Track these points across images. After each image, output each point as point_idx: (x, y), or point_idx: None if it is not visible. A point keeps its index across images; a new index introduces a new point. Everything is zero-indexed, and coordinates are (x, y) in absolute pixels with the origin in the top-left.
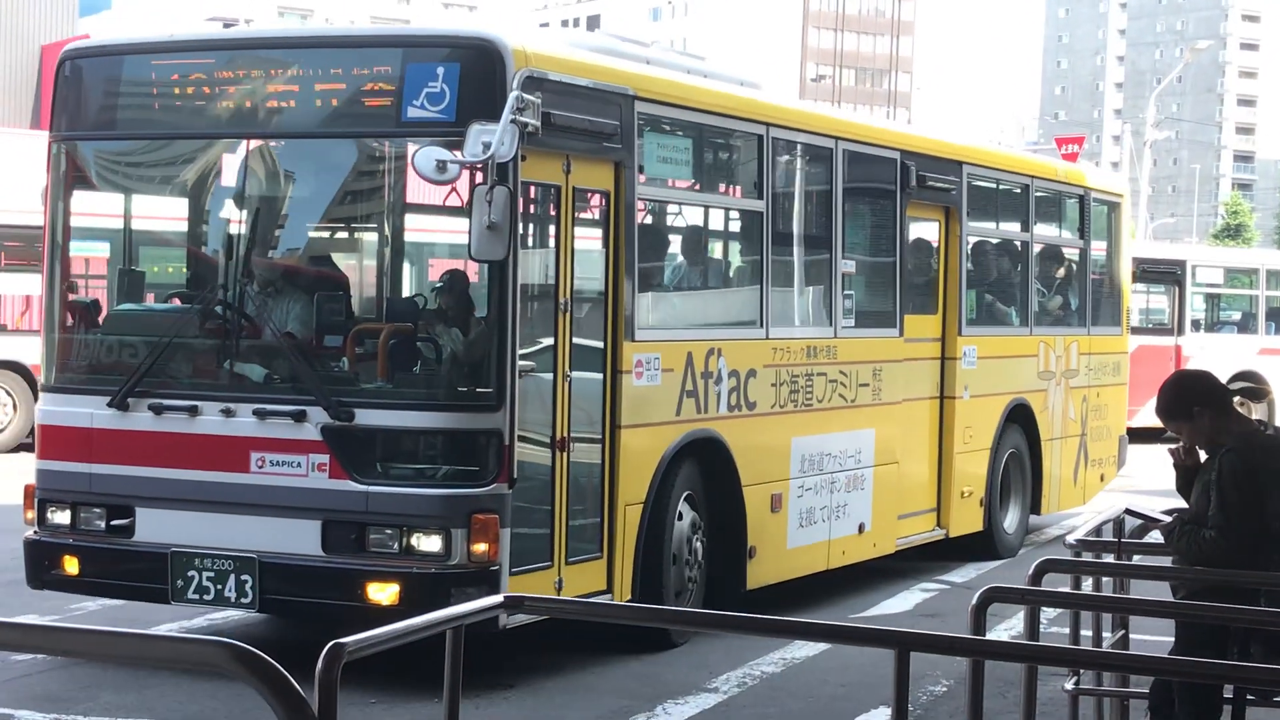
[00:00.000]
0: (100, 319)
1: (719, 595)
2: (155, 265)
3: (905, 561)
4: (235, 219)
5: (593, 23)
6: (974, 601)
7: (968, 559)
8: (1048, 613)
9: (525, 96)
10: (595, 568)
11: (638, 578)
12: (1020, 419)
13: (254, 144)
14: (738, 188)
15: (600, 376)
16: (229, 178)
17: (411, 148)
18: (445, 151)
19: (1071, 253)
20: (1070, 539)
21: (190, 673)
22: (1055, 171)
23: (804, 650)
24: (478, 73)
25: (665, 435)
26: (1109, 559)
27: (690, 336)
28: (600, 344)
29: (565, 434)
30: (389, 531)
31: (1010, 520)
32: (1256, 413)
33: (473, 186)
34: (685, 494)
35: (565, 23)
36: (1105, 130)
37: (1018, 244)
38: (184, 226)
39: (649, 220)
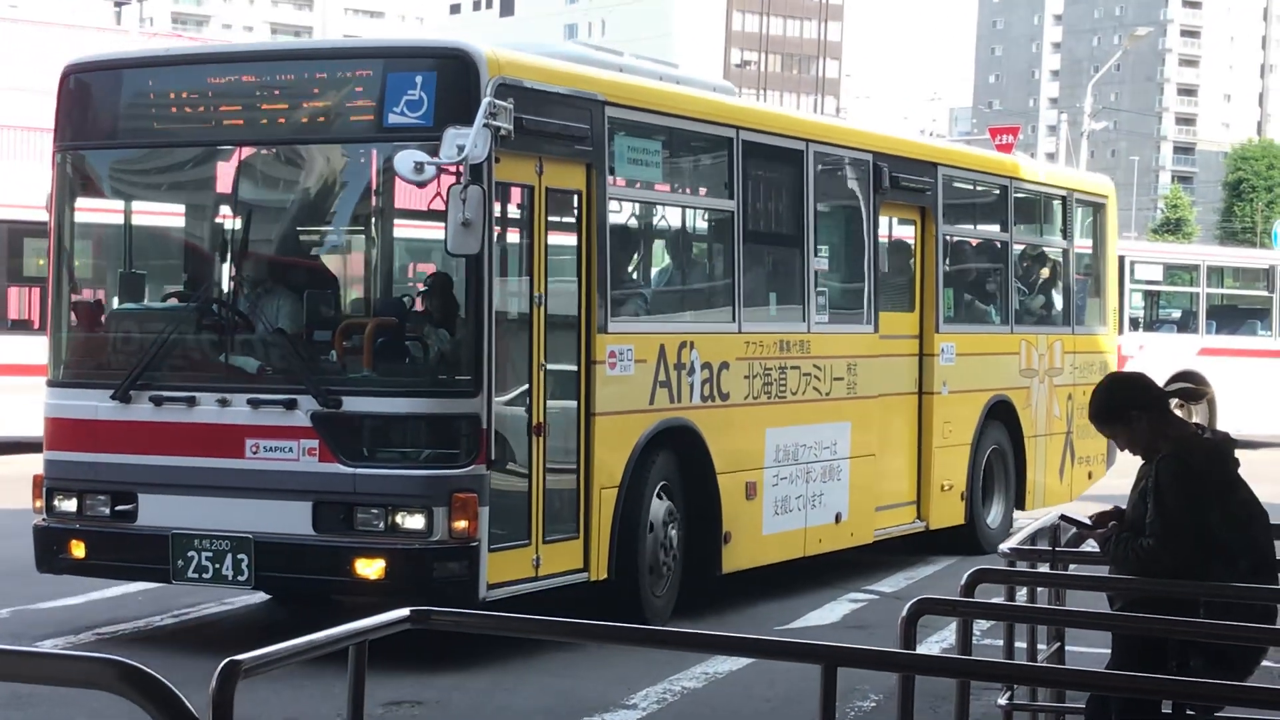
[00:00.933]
0: (102, 317)
1: (696, 578)
2: (154, 266)
3: (887, 554)
4: (229, 222)
5: (506, 6)
6: (904, 613)
7: (950, 552)
8: (981, 624)
9: (497, 102)
10: (572, 547)
11: (614, 557)
12: (1002, 415)
13: (245, 151)
14: (709, 188)
15: (575, 367)
16: (222, 183)
17: (392, 151)
18: (422, 154)
19: (1054, 252)
20: (1004, 547)
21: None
22: (1036, 173)
23: (727, 664)
24: (453, 80)
25: (639, 423)
26: (1044, 568)
27: (662, 329)
28: (575, 336)
29: (541, 420)
30: (375, 511)
31: (994, 515)
32: (1195, 415)
33: (449, 187)
34: (661, 480)
35: (477, 5)
36: (1041, 120)
37: (997, 244)
38: (181, 229)
39: (621, 219)
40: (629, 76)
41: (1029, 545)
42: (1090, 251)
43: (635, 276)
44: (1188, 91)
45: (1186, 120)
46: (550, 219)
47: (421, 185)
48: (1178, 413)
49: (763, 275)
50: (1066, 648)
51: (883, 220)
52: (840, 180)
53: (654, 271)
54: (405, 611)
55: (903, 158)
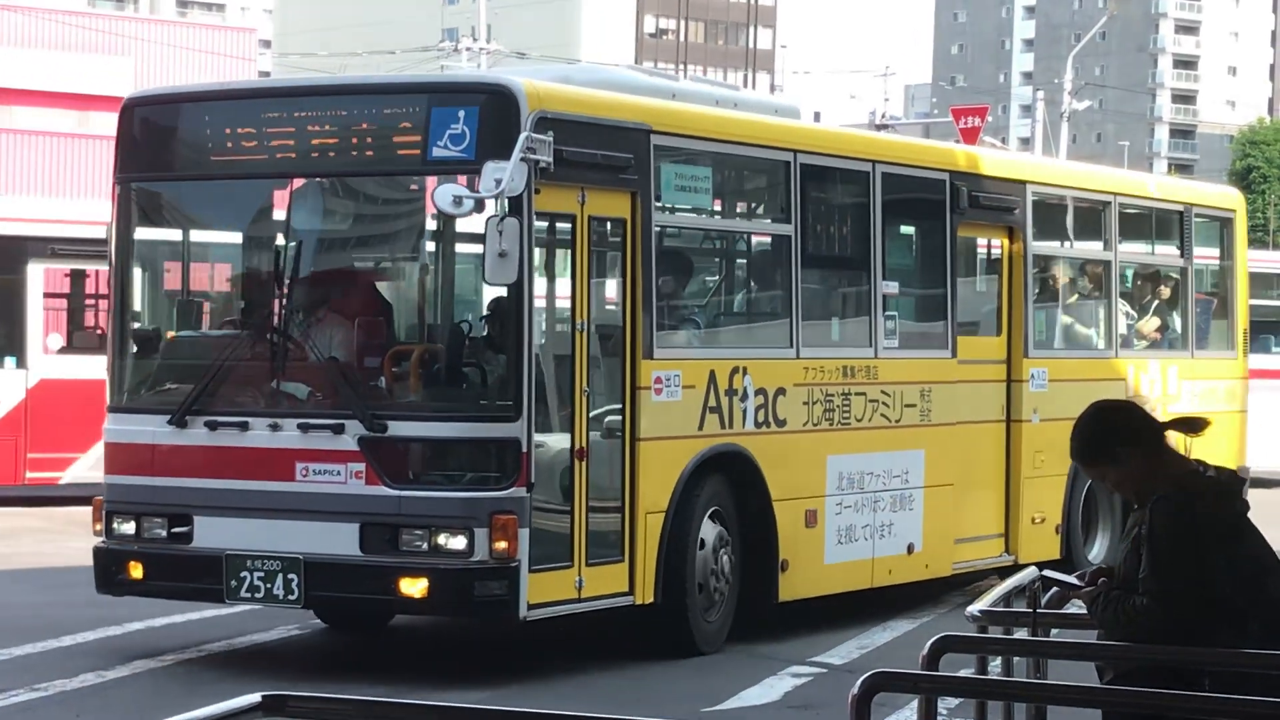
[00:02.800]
0: (160, 345)
1: (752, 607)
2: (209, 294)
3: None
4: (280, 251)
5: None
6: (855, 690)
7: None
8: (949, 701)
9: (535, 136)
10: (617, 570)
11: (660, 582)
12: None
13: (297, 183)
14: (765, 212)
15: (620, 392)
16: (275, 214)
17: (435, 184)
18: (461, 188)
19: (1170, 271)
20: (974, 609)
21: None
22: (1145, 187)
23: None
24: (494, 115)
25: (687, 449)
26: (1021, 634)
27: (713, 355)
28: (620, 362)
29: (584, 444)
30: (419, 532)
31: (1097, 550)
32: (1196, 450)
33: (486, 219)
34: (711, 506)
35: None
36: (1014, 99)
37: (1099, 264)
38: (235, 258)
39: (669, 245)
40: (679, 103)
41: (1003, 607)
42: (1215, 271)
43: (684, 302)
44: (1186, 64)
45: (1185, 98)
46: (594, 247)
47: (460, 218)
48: (1174, 448)
49: (824, 299)
50: None
51: (965, 241)
52: (913, 201)
53: (704, 297)
54: (256, 697)
55: (986, 176)
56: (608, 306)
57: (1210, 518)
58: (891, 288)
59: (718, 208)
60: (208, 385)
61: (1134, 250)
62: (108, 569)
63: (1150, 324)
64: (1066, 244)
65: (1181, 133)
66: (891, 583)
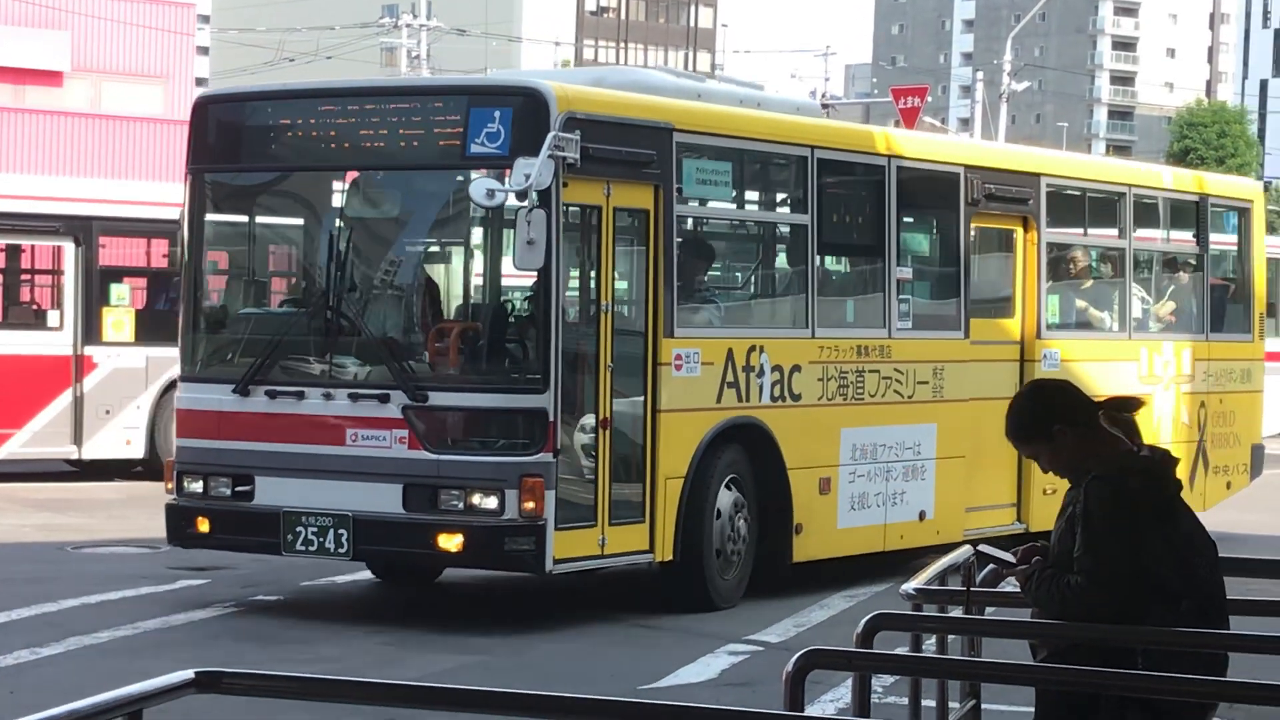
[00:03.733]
0: (227, 321)
1: (769, 566)
2: (271, 275)
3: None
4: (335, 237)
5: None
6: (789, 668)
7: None
8: (884, 679)
9: (563, 135)
10: (638, 530)
11: (678, 543)
12: (1117, 424)
13: (351, 175)
14: (783, 203)
15: (642, 368)
16: (331, 202)
17: (472, 178)
18: (494, 181)
19: (1185, 259)
20: (908, 587)
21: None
22: (1160, 179)
23: None
24: (526, 115)
25: (705, 420)
26: (957, 612)
27: (730, 334)
28: (642, 340)
29: (608, 415)
30: (455, 492)
31: None
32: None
33: (517, 210)
34: (729, 474)
35: None
36: (953, 79)
37: (1113, 251)
38: (294, 243)
39: (690, 234)
40: (703, 103)
41: (938, 585)
42: (1232, 258)
43: (705, 286)
44: (1125, 46)
45: (1124, 80)
46: (619, 236)
47: (493, 209)
48: (1109, 429)
49: (839, 284)
50: (983, 706)
51: (979, 230)
52: (927, 193)
53: (724, 282)
54: (189, 674)
55: (1000, 170)
56: (632, 290)
57: (1144, 497)
58: (905, 273)
59: (738, 199)
60: (269, 358)
61: (1149, 238)
62: (178, 524)
63: (1165, 308)
64: (1081, 232)
65: (1120, 114)
66: (903, 547)
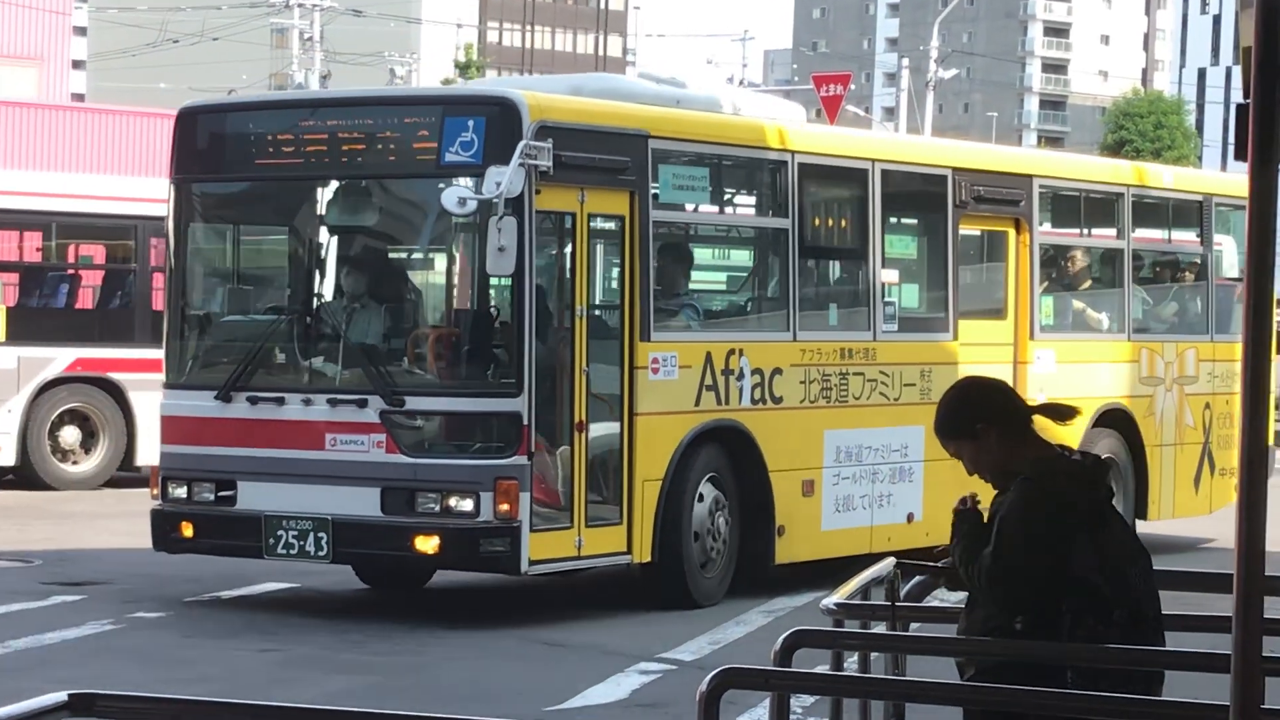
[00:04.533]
0: (209, 329)
1: (751, 568)
2: (252, 283)
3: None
4: (314, 245)
5: None
6: (703, 687)
7: None
8: (804, 699)
9: (534, 144)
10: (615, 532)
11: (657, 543)
12: (1116, 424)
13: (330, 183)
14: (763, 208)
15: (619, 372)
16: (310, 211)
17: (446, 186)
18: (465, 189)
19: (1188, 259)
20: (829, 602)
21: (392, 632)
22: (1161, 178)
23: None
24: (498, 124)
25: (683, 423)
26: (880, 628)
27: (709, 338)
28: (619, 344)
29: (583, 418)
30: (432, 495)
31: None
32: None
33: (488, 218)
34: (708, 475)
35: None
36: (878, 66)
37: (1110, 252)
38: (274, 251)
39: (667, 239)
40: (681, 109)
41: (860, 599)
42: (1240, 258)
43: (682, 291)
44: (1057, 32)
45: (1056, 68)
46: (595, 241)
47: (464, 217)
48: (1038, 432)
49: (822, 287)
50: None
51: (970, 231)
52: (913, 195)
53: (702, 285)
54: (62, 696)
55: (989, 171)
56: (608, 295)
57: (1070, 501)
58: (891, 276)
59: (715, 204)
60: (250, 364)
61: (1149, 238)
62: (163, 529)
63: (1168, 309)
64: (1076, 233)
65: (1052, 103)
66: (891, 549)
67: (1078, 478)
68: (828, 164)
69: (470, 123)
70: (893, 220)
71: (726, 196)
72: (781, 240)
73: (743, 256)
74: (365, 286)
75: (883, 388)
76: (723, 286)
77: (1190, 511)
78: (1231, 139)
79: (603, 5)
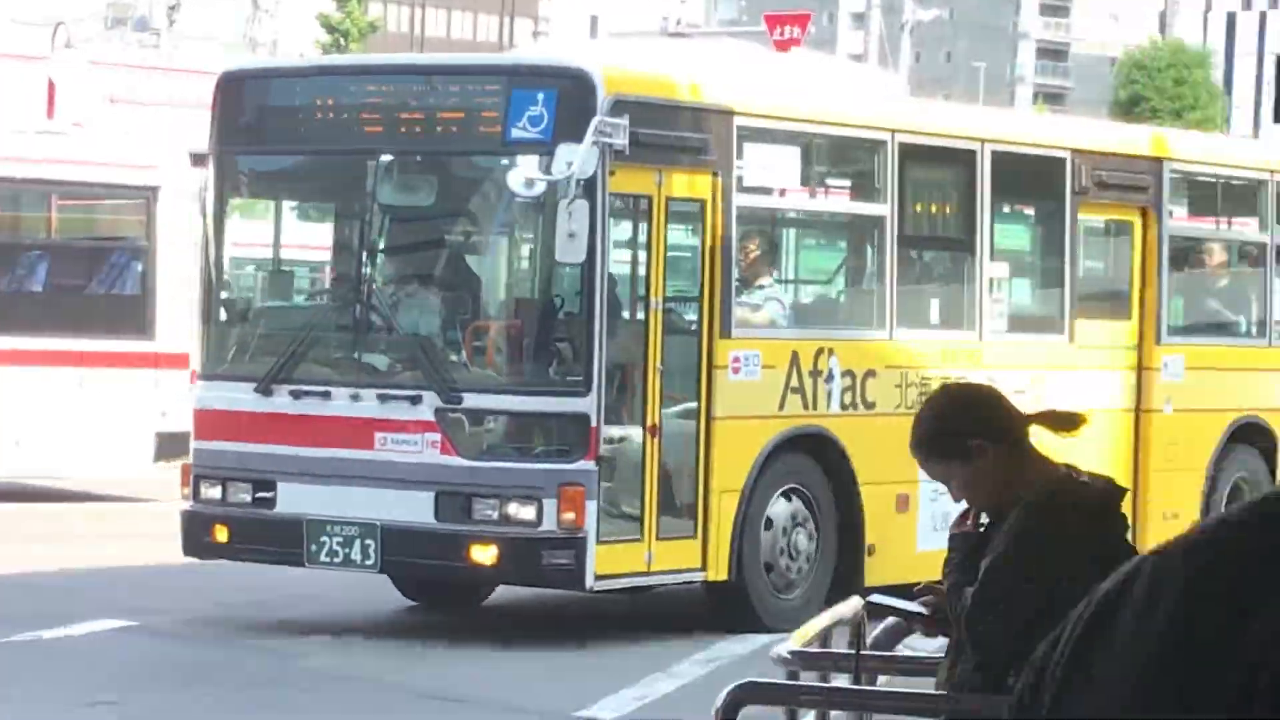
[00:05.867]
0: (249, 315)
1: (845, 590)
2: (298, 265)
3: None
4: (365, 225)
5: None
6: None
7: None
8: None
9: (609, 120)
10: (688, 546)
11: (735, 560)
12: (1253, 439)
13: (384, 158)
14: (858, 193)
15: (696, 371)
16: (361, 188)
17: (512, 164)
18: (534, 170)
19: None
20: (782, 650)
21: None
22: None
23: None
24: (570, 98)
25: (766, 428)
26: (842, 680)
27: (795, 336)
28: (696, 341)
29: (656, 421)
30: (490, 501)
31: None
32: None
33: (558, 200)
34: (785, 487)
35: None
36: (843, 5)
37: (1252, 246)
38: (322, 232)
39: (751, 226)
40: (767, 82)
41: (819, 646)
42: None
43: (766, 283)
44: None
45: (1056, 9)
46: (672, 228)
47: (535, 199)
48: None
49: (923, 282)
50: None
51: (1090, 222)
52: (1028, 181)
53: (789, 278)
54: None
55: (1113, 154)
56: (685, 286)
57: (1079, 534)
58: (1000, 269)
59: (806, 188)
60: (293, 355)
61: None
62: (194, 532)
63: None
64: (1212, 224)
65: (1051, 53)
66: None
67: (1087, 507)
68: (931, 144)
69: (539, 96)
70: (1003, 208)
71: (818, 180)
72: (877, 228)
73: (834, 246)
74: (420, 272)
75: None
76: (811, 279)
77: None
78: (1268, 98)
79: None
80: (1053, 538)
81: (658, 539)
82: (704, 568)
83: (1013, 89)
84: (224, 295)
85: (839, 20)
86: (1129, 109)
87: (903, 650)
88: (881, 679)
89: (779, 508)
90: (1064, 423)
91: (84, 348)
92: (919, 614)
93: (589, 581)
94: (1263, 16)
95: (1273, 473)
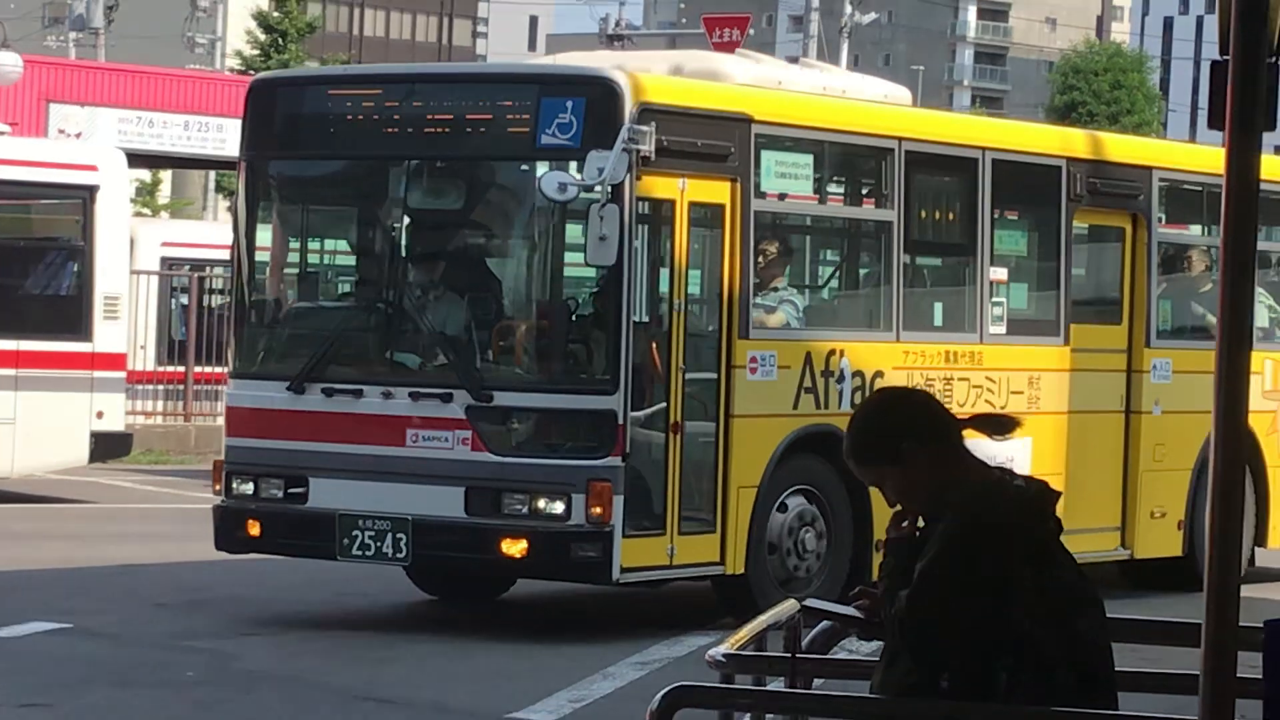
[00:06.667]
0: (281, 315)
1: (857, 580)
2: (329, 268)
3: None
4: (397, 228)
5: None
6: None
7: (1162, 587)
8: None
9: (637, 128)
10: (708, 541)
11: (751, 556)
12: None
13: (414, 164)
14: (867, 198)
15: (716, 370)
16: (392, 193)
17: (542, 170)
18: (566, 175)
19: None
20: (716, 653)
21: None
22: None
23: None
24: (599, 106)
25: (781, 426)
26: (777, 684)
27: (809, 337)
28: (717, 341)
29: (679, 419)
30: (520, 496)
31: None
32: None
33: (590, 204)
34: (794, 485)
35: None
36: (782, 8)
37: None
38: (354, 235)
39: (768, 230)
40: (783, 91)
41: (754, 649)
42: None
43: (782, 285)
44: None
45: (995, 13)
46: (694, 232)
47: (565, 204)
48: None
49: (927, 285)
50: None
51: (1083, 227)
52: (1025, 187)
53: (804, 281)
54: None
55: (1107, 163)
56: (707, 288)
57: (1011, 538)
58: (1000, 273)
59: (820, 194)
60: (325, 354)
61: None
62: (227, 527)
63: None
64: (1199, 231)
65: (989, 57)
66: None
67: (1022, 510)
68: (936, 152)
69: (569, 104)
70: (1003, 214)
71: (830, 185)
72: (885, 233)
73: (845, 250)
74: (450, 274)
75: (989, 395)
76: (823, 282)
77: None
78: (1203, 103)
79: None
80: (986, 541)
81: (680, 533)
82: (722, 562)
83: (951, 91)
84: (255, 297)
85: (778, 23)
86: (1065, 113)
87: (839, 653)
88: (817, 682)
89: (792, 504)
90: (997, 426)
91: (20, 347)
92: (854, 617)
93: (615, 574)
94: (1199, 21)
95: (1253, 473)
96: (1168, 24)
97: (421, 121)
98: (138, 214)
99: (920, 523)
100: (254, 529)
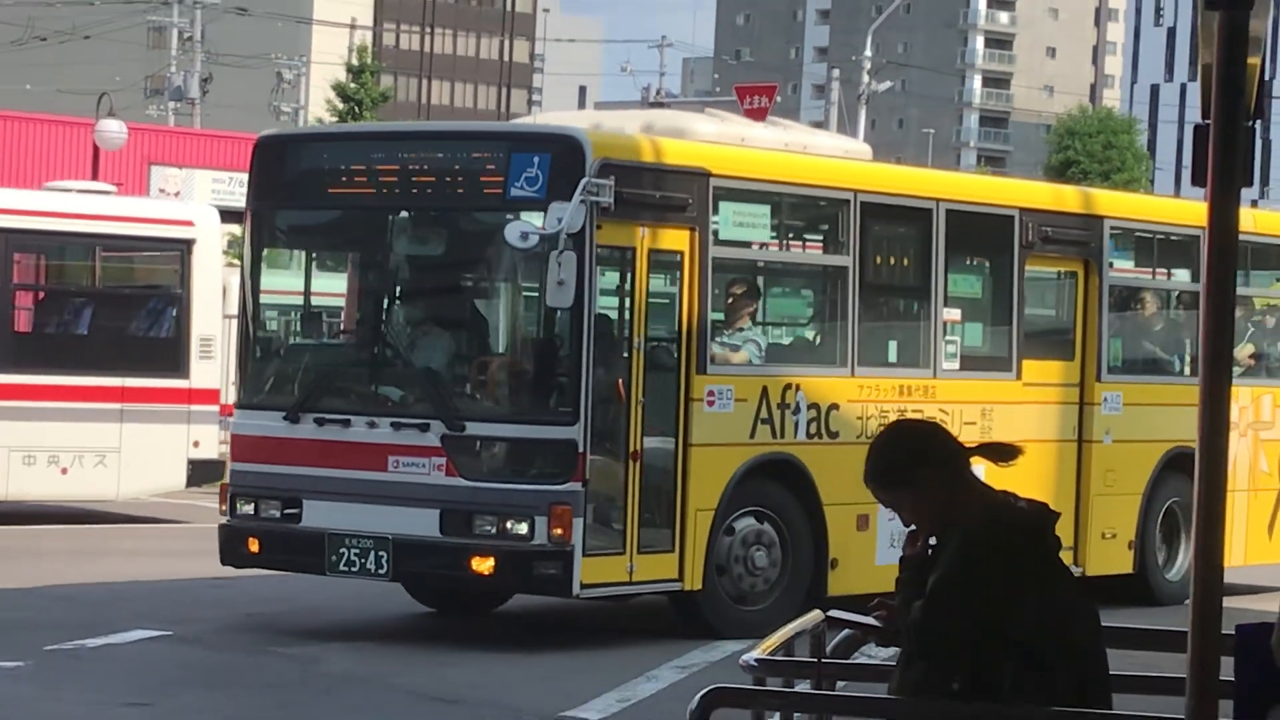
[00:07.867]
0: (280, 353)
1: (808, 599)
2: (323, 310)
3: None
4: (384, 273)
5: None
6: None
7: (1116, 601)
8: None
9: (596, 181)
10: (667, 559)
11: (710, 573)
12: (1184, 467)
13: (400, 213)
14: (824, 245)
15: (675, 403)
16: (381, 240)
17: (511, 219)
18: (527, 225)
19: (1271, 301)
20: (749, 658)
21: (273, 685)
22: (1249, 222)
23: None
24: (563, 161)
25: (737, 455)
26: (804, 686)
27: (765, 372)
28: (675, 376)
29: (638, 447)
30: (489, 518)
31: (1177, 568)
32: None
33: (549, 252)
34: (748, 507)
35: None
36: (806, 77)
37: (1185, 294)
38: (345, 278)
39: (726, 274)
40: (744, 147)
41: (783, 655)
42: None
43: (740, 325)
44: (1000, 43)
45: (998, 82)
46: (654, 276)
47: (528, 251)
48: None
49: (882, 325)
50: None
51: (1037, 272)
52: (978, 235)
53: (760, 321)
54: None
55: (1058, 212)
56: (666, 328)
57: (1016, 557)
58: (954, 314)
59: (777, 241)
60: (317, 387)
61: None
62: (230, 544)
63: (1245, 351)
64: (1149, 275)
65: (993, 120)
66: None
67: (1024, 529)
68: (891, 203)
69: (535, 159)
70: (957, 259)
71: (788, 234)
72: (841, 278)
73: (802, 293)
74: (430, 314)
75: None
76: (780, 322)
77: (1262, 558)
78: (1187, 161)
79: (509, 6)
80: (992, 557)
81: (639, 552)
82: (680, 579)
83: (959, 152)
84: (259, 335)
85: (803, 91)
86: (1061, 172)
87: (859, 659)
88: (840, 684)
89: (746, 526)
90: (1002, 454)
91: (125, 384)
92: (873, 626)
93: (575, 589)
94: (1183, 88)
95: None
96: (1154, 91)
97: (407, 175)
98: (229, 264)
99: (932, 540)
100: (254, 546)
